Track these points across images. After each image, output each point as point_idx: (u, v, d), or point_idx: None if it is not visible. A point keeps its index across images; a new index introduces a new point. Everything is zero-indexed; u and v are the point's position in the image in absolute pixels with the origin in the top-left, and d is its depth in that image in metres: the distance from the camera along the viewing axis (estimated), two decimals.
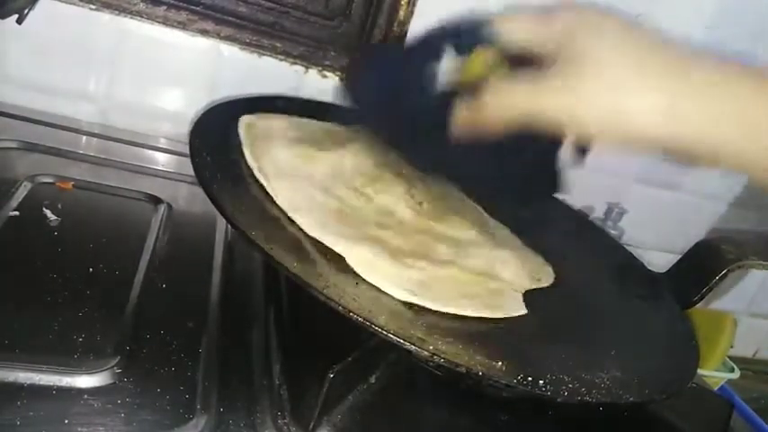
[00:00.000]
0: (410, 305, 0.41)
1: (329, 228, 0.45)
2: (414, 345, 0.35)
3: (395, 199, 0.55)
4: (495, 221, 0.61)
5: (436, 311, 0.42)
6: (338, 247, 0.44)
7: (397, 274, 0.44)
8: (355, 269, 0.43)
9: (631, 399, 0.40)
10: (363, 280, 0.42)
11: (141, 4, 0.62)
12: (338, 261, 0.43)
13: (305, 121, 0.60)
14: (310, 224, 0.45)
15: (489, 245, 0.55)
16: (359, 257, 0.43)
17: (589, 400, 0.39)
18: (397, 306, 0.41)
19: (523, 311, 0.47)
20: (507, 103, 0.38)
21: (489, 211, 0.61)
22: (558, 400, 0.37)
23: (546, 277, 0.55)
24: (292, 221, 0.45)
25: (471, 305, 0.44)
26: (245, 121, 0.55)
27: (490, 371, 0.37)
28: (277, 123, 0.57)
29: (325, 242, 0.44)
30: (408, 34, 0.69)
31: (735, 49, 0.81)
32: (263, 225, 0.43)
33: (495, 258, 0.52)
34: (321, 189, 0.50)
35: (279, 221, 0.45)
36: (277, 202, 0.47)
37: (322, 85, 0.69)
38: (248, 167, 0.49)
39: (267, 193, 0.47)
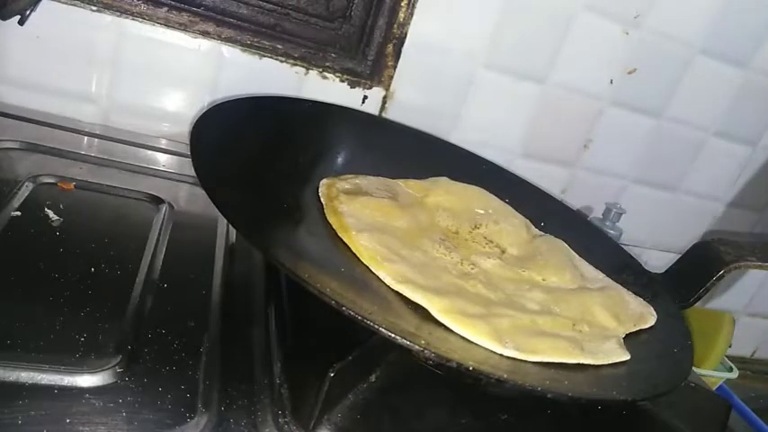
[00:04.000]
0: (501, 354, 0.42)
1: (411, 280, 0.46)
2: (405, 339, 0.35)
3: (476, 249, 0.56)
4: (583, 260, 0.61)
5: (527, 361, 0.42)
6: (422, 299, 0.44)
7: (483, 323, 0.43)
8: (439, 320, 0.43)
9: (624, 397, 0.40)
10: (450, 330, 0.42)
11: (142, 6, 0.62)
12: (423, 313, 0.43)
13: (379, 178, 0.61)
14: (393, 277, 0.45)
15: (582, 288, 0.54)
16: (442, 308, 0.44)
17: (581, 398, 0.39)
18: (490, 355, 0.41)
19: (626, 357, 0.46)
20: None
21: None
22: (549, 396, 0.37)
23: (648, 318, 0.53)
24: (374, 275, 0.46)
25: (564, 351, 0.44)
26: (324, 182, 0.56)
27: (482, 366, 0.37)
28: (352, 181, 0.58)
29: (406, 294, 0.44)
30: (408, 35, 0.69)
31: (735, 53, 0.82)
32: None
33: (590, 302, 0.52)
34: (401, 242, 0.51)
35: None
36: (359, 255, 0.47)
37: (322, 86, 0.70)
38: (328, 224, 0.50)
39: (348, 248, 0.48)
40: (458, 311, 0.44)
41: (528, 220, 0.65)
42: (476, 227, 0.59)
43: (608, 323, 0.50)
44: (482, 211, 0.62)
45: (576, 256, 0.61)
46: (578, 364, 0.44)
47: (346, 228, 0.50)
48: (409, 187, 0.62)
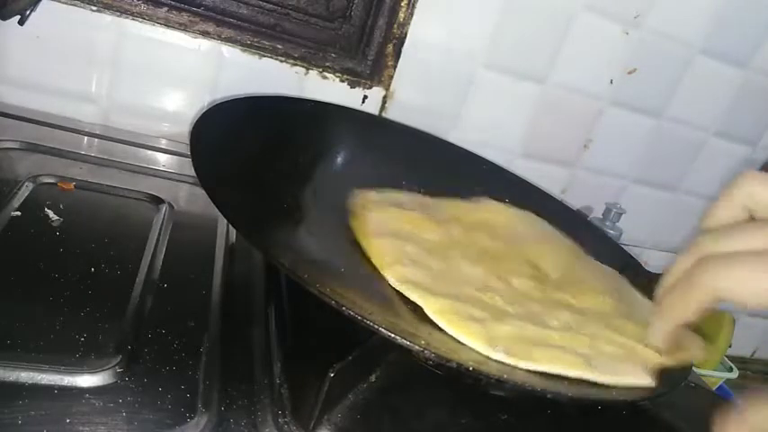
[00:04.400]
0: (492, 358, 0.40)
1: (412, 280, 0.45)
2: (405, 339, 0.35)
3: (510, 269, 0.51)
4: (638, 294, 0.56)
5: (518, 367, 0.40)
6: (418, 298, 0.43)
7: (478, 326, 0.42)
8: (432, 319, 0.42)
9: (624, 397, 0.40)
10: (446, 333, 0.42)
11: (142, 6, 0.62)
12: (423, 313, 0.43)
13: (417, 195, 0.60)
14: (396, 278, 0.45)
15: (620, 314, 0.49)
16: (437, 308, 0.43)
17: (581, 398, 0.39)
18: (483, 359, 0.40)
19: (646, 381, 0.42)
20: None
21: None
22: (549, 396, 0.37)
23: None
24: (376, 276, 0.45)
25: (565, 362, 0.41)
26: (358, 192, 0.55)
27: (481, 366, 0.37)
28: (389, 195, 0.57)
29: (406, 293, 0.44)
30: (408, 35, 0.69)
31: (735, 53, 0.82)
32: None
33: (627, 330, 0.47)
34: (426, 252, 0.49)
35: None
36: (370, 256, 0.47)
37: (322, 86, 0.70)
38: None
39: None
40: (452, 312, 0.43)
41: (577, 245, 0.60)
42: (515, 247, 0.55)
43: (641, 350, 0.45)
44: (525, 233, 0.58)
45: (631, 288, 0.56)
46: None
47: (366, 232, 0.49)
48: (451, 206, 0.59)
